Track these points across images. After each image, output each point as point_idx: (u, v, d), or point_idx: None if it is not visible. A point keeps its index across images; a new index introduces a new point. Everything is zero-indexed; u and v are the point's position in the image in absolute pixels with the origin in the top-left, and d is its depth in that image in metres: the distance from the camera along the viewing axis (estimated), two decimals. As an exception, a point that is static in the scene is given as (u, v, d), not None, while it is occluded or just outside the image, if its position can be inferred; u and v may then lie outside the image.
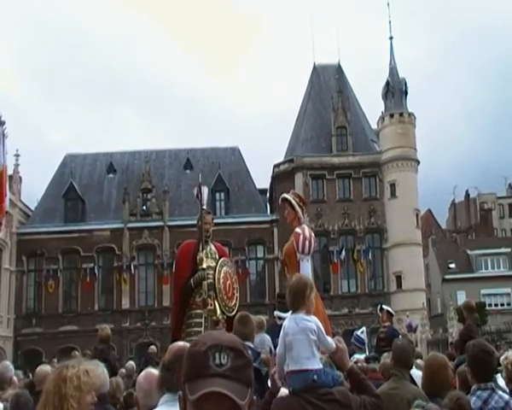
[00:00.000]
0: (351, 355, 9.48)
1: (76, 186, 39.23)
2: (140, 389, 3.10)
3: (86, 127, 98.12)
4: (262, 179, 43.10)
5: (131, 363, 9.23)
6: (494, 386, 4.08)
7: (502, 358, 5.17)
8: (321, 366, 3.23)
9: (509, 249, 47.90)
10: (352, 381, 3.26)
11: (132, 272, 37.04)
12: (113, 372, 6.81)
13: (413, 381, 4.76)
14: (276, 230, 36.96)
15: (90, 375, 2.58)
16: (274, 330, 8.62)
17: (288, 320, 3.38)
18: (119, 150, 42.54)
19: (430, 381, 4.53)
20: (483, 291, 41.23)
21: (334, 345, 3.36)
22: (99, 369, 3.14)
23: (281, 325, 8.48)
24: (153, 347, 12.37)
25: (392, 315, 10.85)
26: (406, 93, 41.53)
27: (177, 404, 2.60)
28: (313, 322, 3.32)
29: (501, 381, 4.63)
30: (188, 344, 2.77)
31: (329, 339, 3.39)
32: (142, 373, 3.28)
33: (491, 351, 4.26)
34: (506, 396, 4.07)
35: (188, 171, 40.20)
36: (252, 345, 4.08)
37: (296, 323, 3.30)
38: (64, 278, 37.96)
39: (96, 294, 37.39)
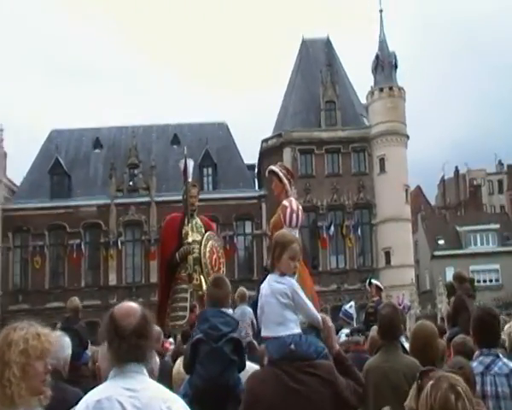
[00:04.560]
0: (338, 330, 9.34)
1: (62, 162, 38.76)
2: (103, 359, 2.82)
3: (73, 103, 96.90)
4: (250, 155, 42.89)
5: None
6: (498, 353, 3.78)
7: (506, 327, 4.97)
8: (297, 331, 2.86)
9: (498, 225, 48.10)
10: (337, 366, 2.92)
11: (119, 248, 36.84)
12: (80, 342, 6.58)
13: (406, 351, 4.34)
14: (264, 205, 36.76)
15: (42, 339, 2.21)
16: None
17: (265, 281, 3.06)
18: (105, 126, 42.03)
19: (420, 352, 4.09)
20: (472, 267, 41.34)
21: (319, 318, 3.05)
22: (56, 334, 2.77)
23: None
24: None
25: (381, 290, 10.69)
26: (396, 67, 41.17)
27: (124, 379, 2.24)
28: (287, 284, 2.94)
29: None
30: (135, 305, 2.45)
31: (313, 309, 3.05)
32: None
33: (496, 314, 3.96)
34: (511, 364, 3.75)
35: (175, 146, 39.77)
36: (229, 311, 3.70)
37: (269, 284, 2.98)
38: (50, 254, 37.68)
39: (82, 270, 37.19)
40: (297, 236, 6.43)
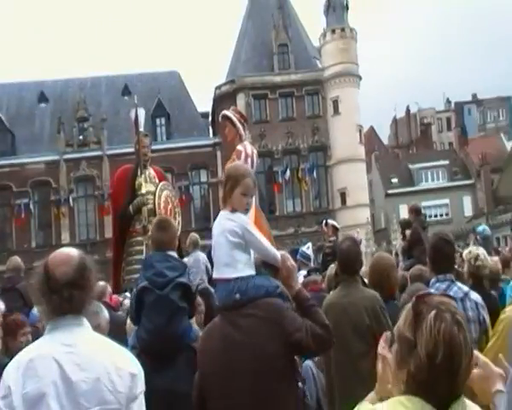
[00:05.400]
0: (297, 272, 9.35)
1: (3, 118, 37.20)
2: None
3: (13, 55, 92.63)
4: (204, 103, 42.27)
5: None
6: (453, 278, 3.78)
7: (465, 253, 5.01)
8: (248, 273, 2.61)
9: (447, 161, 49.52)
10: (298, 307, 2.67)
11: (71, 205, 36.09)
12: (25, 303, 6.23)
13: (365, 284, 4.23)
14: (219, 153, 36.41)
15: None
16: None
17: (217, 219, 2.81)
18: (50, 79, 40.48)
19: (379, 284, 4.10)
20: (423, 203, 42.44)
21: (276, 255, 2.73)
22: None
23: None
24: None
25: (337, 229, 10.70)
26: (347, 8, 40.92)
27: (61, 333, 1.91)
28: (237, 221, 2.68)
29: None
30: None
31: (269, 246, 2.75)
32: None
33: (451, 241, 3.95)
34: (466, 287, 3.80)
35: (126, 97, 38.66)
36: (174, 254, 3.45)
37: (219, 223, 2.72)
38: (-3, 215, 36.54)
39: (32, 230, 36.31)
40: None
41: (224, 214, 2.75)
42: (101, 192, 36.09)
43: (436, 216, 45.94)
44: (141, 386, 2.02)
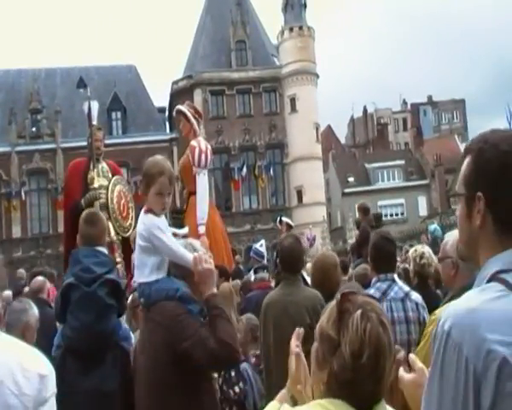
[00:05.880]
0: (250, 269, 9.36)
1: (-49, 107, 35.91)
2: None
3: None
4: (161, 97, 41.82)
5: (8, 292, 8.59)
6: (395, 277, 3.67)
7: (411, 251, 5.02)
8: (154, 277, 2.55)
9: (403, 161, 50.39)
10: (208, 315, 2.52)
11: (23, 198, 35.07)
12: None
13: (306, 283, 4.23)
14: (175, 148, 36.04)
15: None
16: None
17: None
18: (2, 68, 39.20)
19: (321, 283, 4.01)
20: (379, 203, 43.26)
21: (187, 258, 2.57)
22: None
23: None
24: (21, 270, 11.37)
25: (291, 227, 10.77)
26: (305, 6, 41.18)
27: None
28: (146, 223, 2.60)
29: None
30: None
31: (178, 249, 2.61)
32: None
33: (392, 239, 3.87)
34: (406, 288, 3.72)
35: (81, 90, 36.88)
36: (104, 250, 3.32)
37: (138, 225, 2.70)
38: None
39: (-19, 223, 35.18)
40: (206, 176, 6.30)
41: (140, 215, 2.69)
42: (54, 186, 35.27)
43: (392, 215, 46.55)
44: (52, 388, 1.85)
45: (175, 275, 2.63)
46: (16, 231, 35.22)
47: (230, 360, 2.47)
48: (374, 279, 3.71)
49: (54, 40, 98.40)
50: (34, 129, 36.73)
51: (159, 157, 2.99)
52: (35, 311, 3.53)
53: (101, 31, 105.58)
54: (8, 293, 8.47)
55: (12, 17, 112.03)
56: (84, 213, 3.64)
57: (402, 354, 1.65)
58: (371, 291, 3.52)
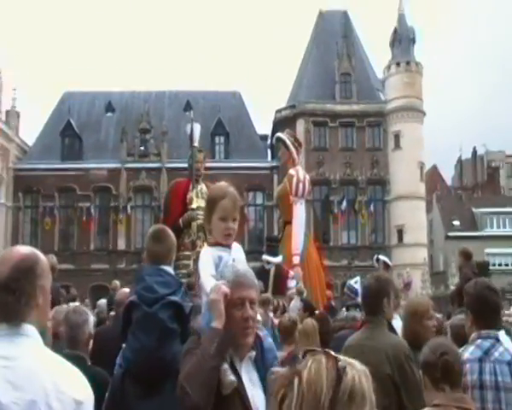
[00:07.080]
0: (343, 305, 9.10)
1: (74, 124, 38.63)
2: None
3: (85, 66, 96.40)
4: (264, 125, 42.48)
5: (103, 301, 8.90)
6: (499, 336, 3.20)
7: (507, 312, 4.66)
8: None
9: (515, 209, 47.05)
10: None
11: (129, 213, 36.79)
12: (52, 304, 6.28)
13: (392, 329, 3.87)
14: (276, 177, 36.38)
15: None
16: (261, 274, 8.24)
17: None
18: (118, 90, 41.74)
19: (411, 331, 3.70)
20: (487, 250, 40.57)
21: (205, 287, 2.42)
22: None
23: (268, 270, 8.02)
24: (116, 281, 11.46)
25: (389, 266, 10.50)
26: (414, 42, 40.44)
27: (15, 340, 1.71)
28: (200, 258, 2.61)
29: (505, 339, 3.39)
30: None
31: (204, 278, 2.47)
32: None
33: (496, 290, 3.37)
34: None
35: (187, 113, 39.31)
36: (170, 270, 3.15)
37: None
38: (61, 215, 37.68)
39: (92, 233, 37.20)
40: (303, 205, 6.24)
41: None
42: (157, 203, 36.61)
43: (501, 265, 43.00)
44: None
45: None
46: (121, 244, 36.81)
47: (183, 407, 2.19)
48: (473, 335, 3.26)
49: (163, 65, 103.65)
50: (142, 148, 38.49)
51: (222, 183, 2.86)
52: (91, 319, 3.54)
53: (208, 56, 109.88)
54: (103, 301, 8.81)
55: (127, 44, 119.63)
56: (151, 229, 3.47)
57: None
58: (470, 349, 3.17)
